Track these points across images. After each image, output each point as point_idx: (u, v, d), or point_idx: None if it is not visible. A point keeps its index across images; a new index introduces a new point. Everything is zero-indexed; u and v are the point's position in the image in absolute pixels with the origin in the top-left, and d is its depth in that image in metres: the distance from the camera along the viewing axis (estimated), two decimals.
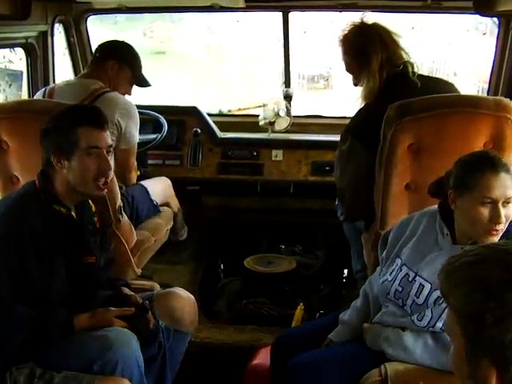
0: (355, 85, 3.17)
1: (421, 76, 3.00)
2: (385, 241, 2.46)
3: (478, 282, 1.15)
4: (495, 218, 2.05)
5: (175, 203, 3.80)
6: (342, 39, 3.10)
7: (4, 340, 2.12)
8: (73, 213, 2.36)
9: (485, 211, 2.06)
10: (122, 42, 3.54)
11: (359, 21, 3.08)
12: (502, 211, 2.05)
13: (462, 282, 1.17)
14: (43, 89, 3.45)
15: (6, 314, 2.13)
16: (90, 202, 2.51)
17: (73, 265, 2.32)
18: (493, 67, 3.86)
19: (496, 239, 2.09)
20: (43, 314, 2.18)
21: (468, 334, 1.16)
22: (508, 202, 2.07)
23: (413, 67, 3.01)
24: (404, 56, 3.03)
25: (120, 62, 3.37)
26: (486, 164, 2.08)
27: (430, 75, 3.18)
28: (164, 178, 3.78)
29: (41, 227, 2.20)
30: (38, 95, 3.41)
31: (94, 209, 2.54)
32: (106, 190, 2.39)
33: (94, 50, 3.53)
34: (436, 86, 3.04)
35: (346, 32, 3.09)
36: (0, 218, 2.21)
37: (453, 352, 1.23)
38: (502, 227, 2.08)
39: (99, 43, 3.54)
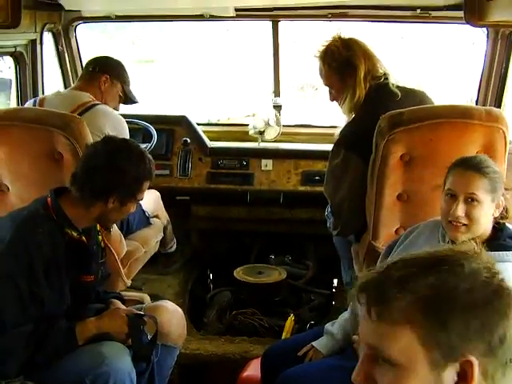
0: (332, 100, 3.15)
1: (397, 86, 3.02)
2: (388, 251, 2.41)
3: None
4: (453, 210, 2.11)
5: (164, 215, 3.79)
6: (325, 52, 3.07)
7: (10, 357, 2.12)
8: (83, 237, 2.36)
9: (448, 204, 2.15)
10: (114, 58, 3.55)
11: (338, 35, 3.06)
12: (461, 206, 2.11)
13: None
14: (33, 99, 3.44)
15: (13, 336, 2.12)
16: None
17: (73, 284, 2.32)
18: (481, 77, 3.86)
19: (460, 236, 2.13)
20: (45, 325, 2.18)
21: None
22: (472, 200, 2.11)
23: (391, 78, 3.05)
24: (382, 68, 3.06)
25: (112, 78, 3.41)
26: (460, 162, 2.17)
27: (407, 86, 3.19)
28: (153, 191, 3.74)
29: (50, 250, 2.20)
30: (29, 105, 3.38)
31: (98, 227, 2.55)
32: None
33: (85, 63, 3.51)
34: (412, 95, 3.07)
35: (328, 45, 3.06)
36: (11, 239, 2.18)
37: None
38: (464, 222, 2.12)
39: (92, 58, 3.55)
